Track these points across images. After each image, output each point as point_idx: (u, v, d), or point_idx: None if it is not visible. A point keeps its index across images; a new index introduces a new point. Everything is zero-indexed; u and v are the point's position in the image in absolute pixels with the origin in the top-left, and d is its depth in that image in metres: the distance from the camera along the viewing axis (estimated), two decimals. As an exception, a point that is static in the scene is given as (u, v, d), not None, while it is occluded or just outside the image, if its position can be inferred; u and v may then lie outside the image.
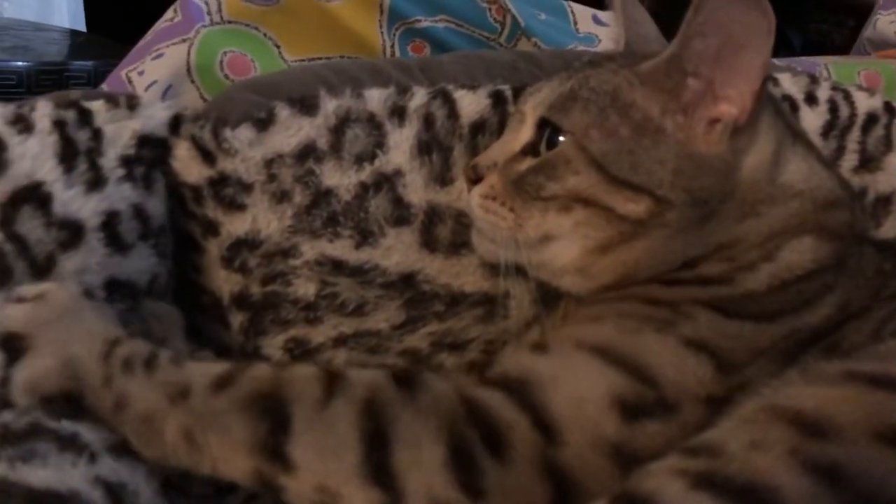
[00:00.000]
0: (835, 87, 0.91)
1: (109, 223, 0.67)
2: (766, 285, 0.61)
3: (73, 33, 2.05)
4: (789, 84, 0.89)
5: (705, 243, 0.64)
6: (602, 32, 1.03)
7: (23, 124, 0.63)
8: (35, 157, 0.62)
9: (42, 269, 0.61)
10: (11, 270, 0.59)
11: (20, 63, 1.53)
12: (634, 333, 0.59)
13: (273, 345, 0.76)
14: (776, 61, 1.03)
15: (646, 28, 0.77)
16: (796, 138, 0.68)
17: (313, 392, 0.55)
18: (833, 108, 0.89)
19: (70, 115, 0.67)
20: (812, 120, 0.88)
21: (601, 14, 1.06)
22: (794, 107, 0.88)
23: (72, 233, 0.64)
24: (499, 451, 0.53)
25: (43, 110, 0.65)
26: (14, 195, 0.61)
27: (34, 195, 0.62)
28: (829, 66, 1.11)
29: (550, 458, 0.53)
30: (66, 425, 0.52)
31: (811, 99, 0.89)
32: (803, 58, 1.18)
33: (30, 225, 0.61)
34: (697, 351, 0.57)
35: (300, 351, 0.76)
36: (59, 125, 0.65)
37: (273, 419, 0.54)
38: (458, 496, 0.52)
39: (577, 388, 0.56)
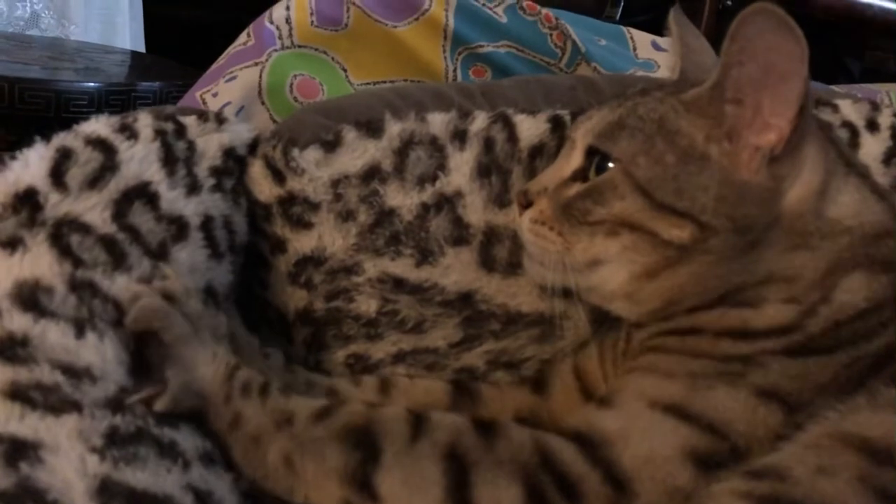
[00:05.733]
0: (897, 114, 0.90)
1: (207, 225, 0.70)
2: (821, 328, 0.61)
3: (139, 55, 2.11)
4: (850, 111, 0.88)
5: (752, 271, 0.63)
6: (661, 58, 1.04)
7: (128, 132, 0.67)
8: (141, 160, 0.66)
9: (157, 254, 0.65)
10: (126, 255, 0.62)
11: (91, 84, 1.58)
12: (707, 390, 0.59)
13: (334, 359, 0.78)
14: (836, 88, 1.02)
15: (703, 57, 0.77)
16: (849, 169, 0.67)
17: (401, 430, 0.58)
18: (895, 135, 0.88)
19: (168, 126, 0.71)
20: (874, 147, 0.87)
21: (660, 40, 1.07)
22: (856, 134, 0.87)
23: (179, 227, 0.68)
24: (572, 499, 0.55)
25: (144, 121, 0.69)
26: (125, 193, 0.64)
27: (144, 193, 0.66)
28: (890, 94, 1.10)
29: None
30: (167, 432, 0.55)
31: (873, 126, 0.88)
32: (863, 85, 1.17)
33: (141, 218, 0.65)
34: (768, 399, 0.58)
35: (360, 366, 0.78)
36: (160, 134, 0.69)
37: (364, 451, 0.56)
38: None
39: (650, 444, 0.57)
